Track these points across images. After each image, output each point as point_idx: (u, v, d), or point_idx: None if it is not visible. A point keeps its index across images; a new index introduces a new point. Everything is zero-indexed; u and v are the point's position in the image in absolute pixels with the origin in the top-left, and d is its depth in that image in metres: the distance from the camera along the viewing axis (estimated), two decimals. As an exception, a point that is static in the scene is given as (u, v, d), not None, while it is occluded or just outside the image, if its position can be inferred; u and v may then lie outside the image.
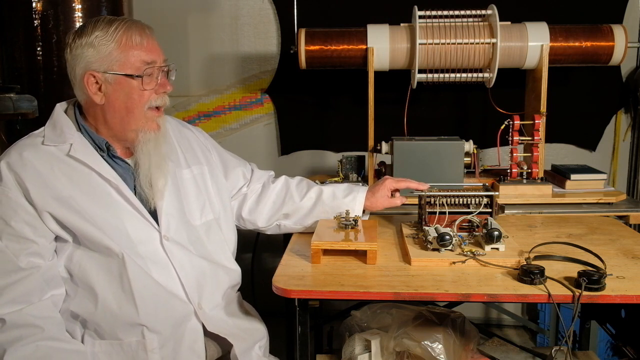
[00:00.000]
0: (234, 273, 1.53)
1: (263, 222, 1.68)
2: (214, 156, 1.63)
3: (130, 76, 1.31)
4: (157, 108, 1.37)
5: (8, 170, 1.29)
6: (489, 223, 1.49)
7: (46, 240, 1.31)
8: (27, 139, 1.36)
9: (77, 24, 2.13)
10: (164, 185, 1.40)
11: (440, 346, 1.52)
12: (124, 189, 1.35)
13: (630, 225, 1.88)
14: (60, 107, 1.41)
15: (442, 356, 1.51)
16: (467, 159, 2.09)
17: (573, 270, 1.31)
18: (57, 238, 1.34)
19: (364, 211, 1.67)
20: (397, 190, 1.68)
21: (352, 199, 1.65)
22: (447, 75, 2.14)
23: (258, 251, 2.63)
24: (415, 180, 1.64)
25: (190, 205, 1.46)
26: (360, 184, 2.06)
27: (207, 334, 1.43)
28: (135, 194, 1.37)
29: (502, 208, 1.65)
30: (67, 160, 1.33)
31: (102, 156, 1.36)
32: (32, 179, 1.29)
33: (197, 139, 1.61)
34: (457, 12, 2.12)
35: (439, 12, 2.11)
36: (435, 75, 2.15)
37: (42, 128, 1.38)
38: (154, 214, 1.38)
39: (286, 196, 1.67)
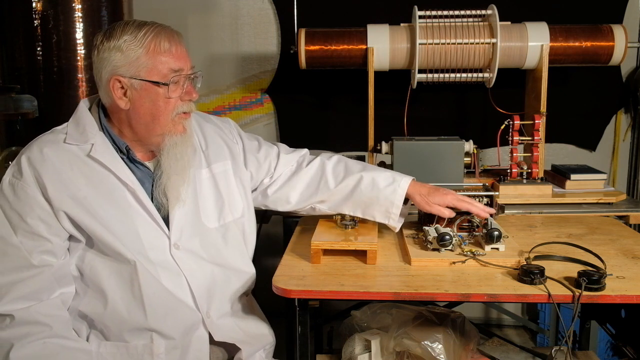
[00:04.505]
0: (248, 277, 1.50)
1: (292, 206, 1.60)
2: (240, 146, 1.57)
3: (157, 83, 1.28)
4: (184, 113, 1.35)
5: (28, 165, 1.28)
6: (489, 223, 1.49)
7: (60, 239, 1.31)
8: (50, 135, 1.35)
9: (77, 24, 2.13)
10: (183, 193, 1.37)
11: (440, 346, 1.52)
12: (141, 193, 1.33)
13: (630, 225, 1.88)
14: (84, 104, 1.39)
15: (442, 356, 1.51)
16: (467, 159, 2.09)
17: (573, 270, 1.31)
18: (71, 237, 1.33)
19: (407, 201, 1.55)
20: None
21: (392, 191, 1.51)
22: (447, 75, 2.14)
23: (258, 251, 2.62)
24: (480, 204, 1.53)
25: (207, 207, 1.43)
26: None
27: (213, 340, 1.43)
28: (152, 199, 1.36)
29: (502, 208, 1.65)
30: (87, 161, 1.32)
31: (122, 159, 1.34)
32: (50, 177, 1.28)
33: (222, 131, 1.56)
34: (457, 12, 2.12)
35: (439, 12, 2.11)
36: (435, 75, 2.15)
37: (65, 124, 1.37)
38: (168, 220, 1.37)
39: (320, 181, 1.57)
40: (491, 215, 1.57)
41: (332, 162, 1.61)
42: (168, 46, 1.28)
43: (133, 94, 1.29)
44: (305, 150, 1.68)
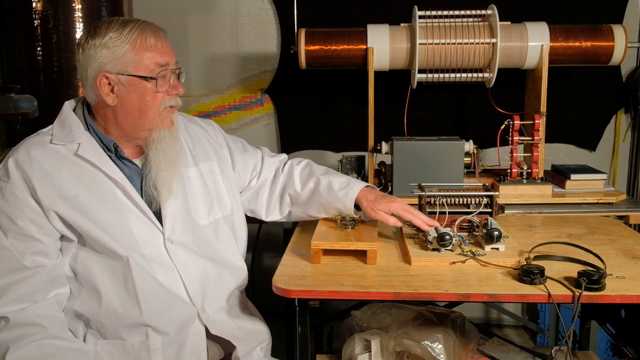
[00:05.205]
0: (240, 273, 1.52)
1: (277, 215, 1.68)
2: (225, 149, 1.60)
3: (145, 78, 1.30)
4: (171, 107, 1.37)
5: (16, 168, 1.29)
6: (489, 223, 1.49)
7: (51, 239, 1.31)
8: (36, 137, 1.36)
9: (77, 24, 2.13)
10: (174, 187, 1.38)
11: (440, 346, 1.52)
12: (131, 190, 1.34)
13: (630, 225, 1.88)
14: (68, 105, 1.40)
15: (442, 356, 1.51)
16: (467, 159, 2.09)
17: (573, 270, 1.31)
18: (63, 237, 1.33)
19: (359, 207, 1.58)
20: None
21: (345, 194, 1.57)
22: (447, 75, 2.14)
23: (258, 251, 2.63)
24: (424, 216, 1.54)
25: (197, 204, 1.45)
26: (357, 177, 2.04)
27: (210, 336, 1.43)
28: (142, 195, 1.36)
29: (502, 208, 1.65)
30: (75, 160, 1.32)
31: (109, 156, 1.35)
32: (39, 178, 1.28)
33: (207, 133, 1.58)
34: (457, 12, 2.12)
35: (439, 12, 2.11)
36: (435, 75, 2.15)
37: (50, 126, 1.38)
38: (159, 215, 1.38)
39: (287, 184, 1.65)
40: (490, 215, 1.57)
41: (300, 166, 1.68)
42: (154, 42, 1.31)
43: (120, 90, 1.30)
44: (285, 156, 1.74)
